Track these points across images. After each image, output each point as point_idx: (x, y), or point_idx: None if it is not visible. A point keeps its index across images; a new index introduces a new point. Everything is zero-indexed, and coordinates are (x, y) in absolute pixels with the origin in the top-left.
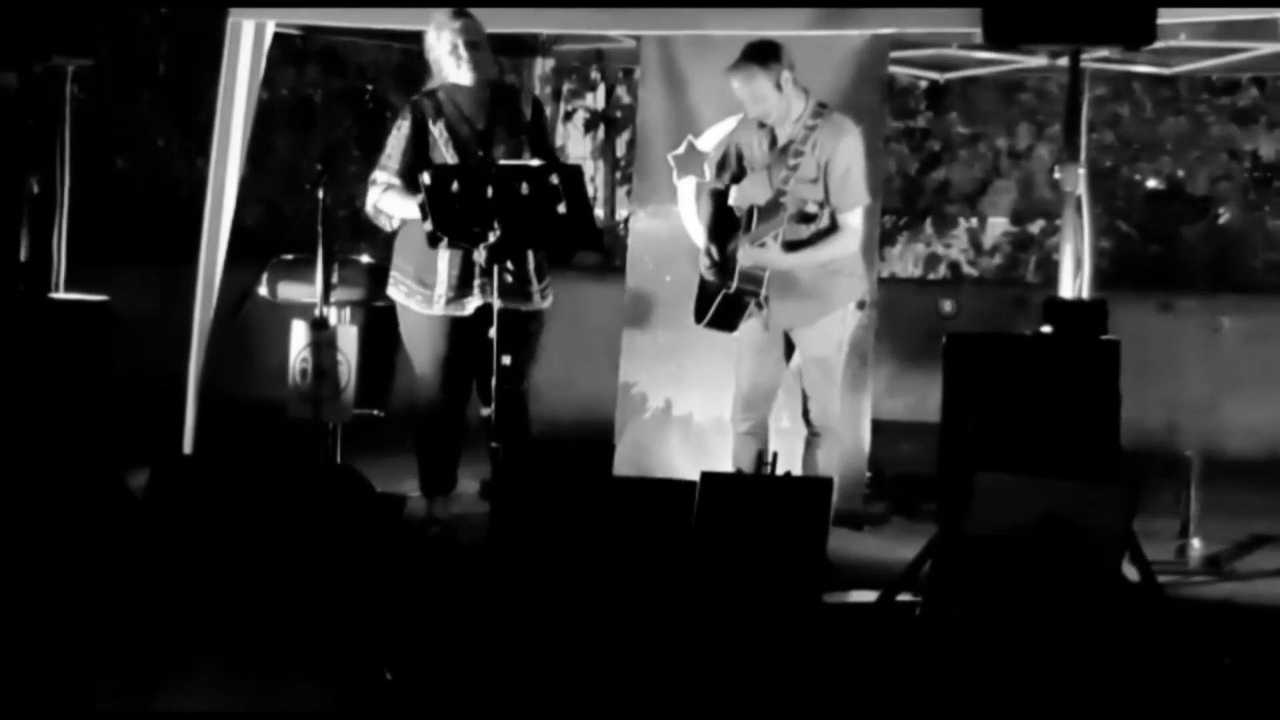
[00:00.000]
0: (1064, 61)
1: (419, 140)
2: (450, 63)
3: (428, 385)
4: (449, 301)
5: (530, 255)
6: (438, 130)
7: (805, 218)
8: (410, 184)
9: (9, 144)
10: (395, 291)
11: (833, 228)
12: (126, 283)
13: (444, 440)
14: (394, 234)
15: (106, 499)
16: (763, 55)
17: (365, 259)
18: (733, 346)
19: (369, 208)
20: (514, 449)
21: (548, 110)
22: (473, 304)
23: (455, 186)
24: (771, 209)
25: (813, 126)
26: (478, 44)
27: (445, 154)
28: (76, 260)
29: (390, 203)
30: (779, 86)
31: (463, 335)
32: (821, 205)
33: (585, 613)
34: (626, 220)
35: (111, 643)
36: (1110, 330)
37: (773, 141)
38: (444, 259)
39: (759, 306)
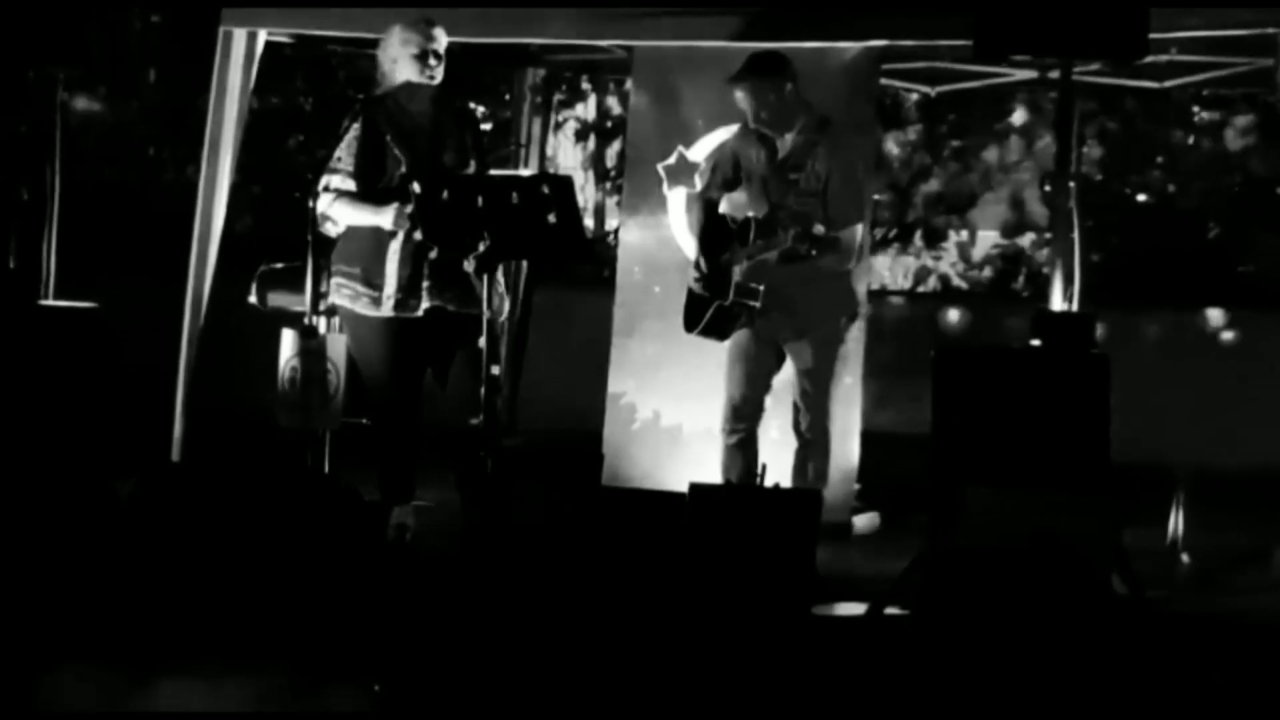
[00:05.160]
0: (1055, 75)
1: (371, 145)
2: (413, 67)
3: (380, 391)
4: (398, 303)
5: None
6: (390, 135)
7: (807, 238)
8: (363, 189)
9: None
10: (339, 296)
11: (831, 242)
12: (116, 290)
13: (402, 446)
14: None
15: (94, 507)
16: (767, 66)
17: None
18: (722, 357)
19: (320, 213)
20: (500, 458)
21: (538, 120)
22: (422, 306)
23: (445, 195)
24: (770, 224)
25: (814, 141)
26: (441, 54)
27: (398, 159)
28: (66, 268)
29: (342, 210)
30: (782, 97)
31: (413, 338)
32: (823, 224)
33: (573, 623)
34: (616, 231)
35: (98, 649)
36: (1100, 344)
37: (772, 153)
38: (393, 259)
39: (751, 318)
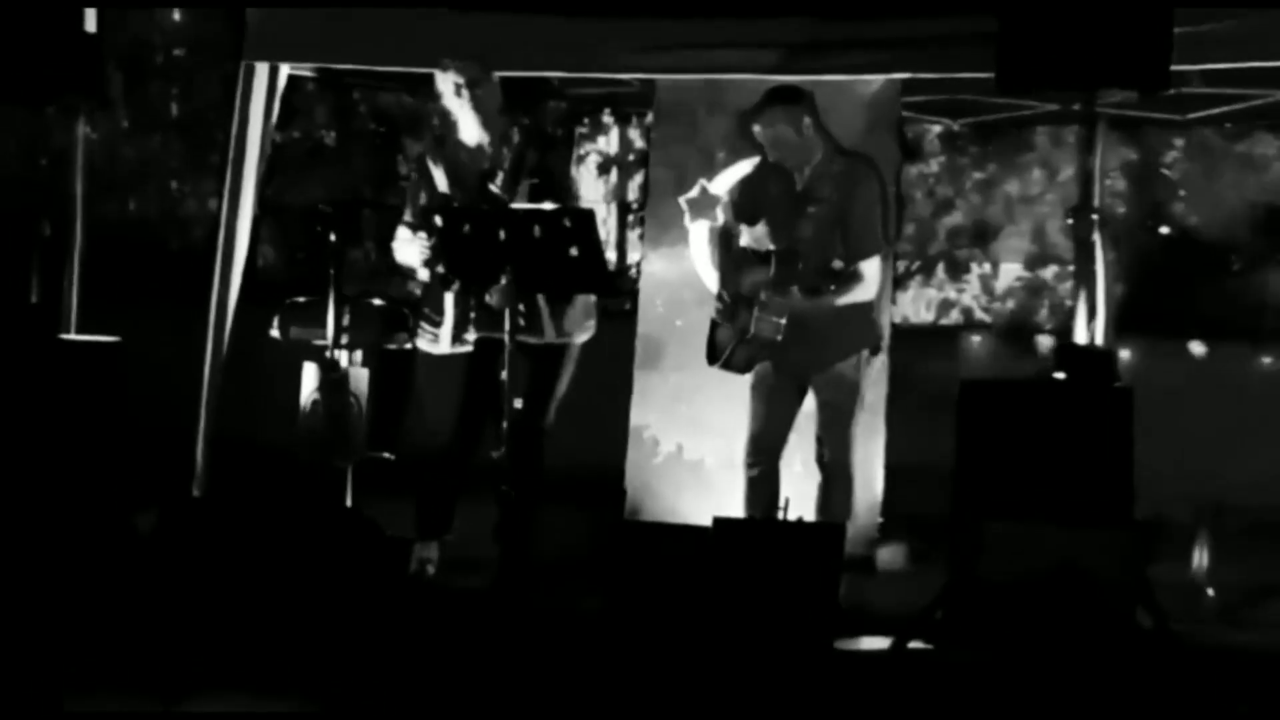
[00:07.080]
0: (1077, 107)
1: (425, 189)
2: (455, 103)
3: (439, 428)
4: (455, 338)
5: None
6: (439, 173)
7: (826, 274)
8: (422, 230)
9: (22, 185)
10: (419, 338)
11: (851, 275)
12: (138, 324)
13: (446, 483)
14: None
15: (115, 541)
16: (785, 99)
17: (377, 301)
18: (745, 390)
19: (403, 265)
20: (525, 491)
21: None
22: (471, 336)
23: (467, 229)
24: (790, 257)
25: (833, 173)
26: (479, 83)
27: (450, 196)
28: (88, 301)
29: (403, 253)
30: (800, 131)
31: (474, 375)
32: (843, 258)
33: (596, 657)
34: (639, 264)
35: (119, 682)
36: (1123, 377)
37: (790, 186)
38: (450, 295)
39: (773, 352)
